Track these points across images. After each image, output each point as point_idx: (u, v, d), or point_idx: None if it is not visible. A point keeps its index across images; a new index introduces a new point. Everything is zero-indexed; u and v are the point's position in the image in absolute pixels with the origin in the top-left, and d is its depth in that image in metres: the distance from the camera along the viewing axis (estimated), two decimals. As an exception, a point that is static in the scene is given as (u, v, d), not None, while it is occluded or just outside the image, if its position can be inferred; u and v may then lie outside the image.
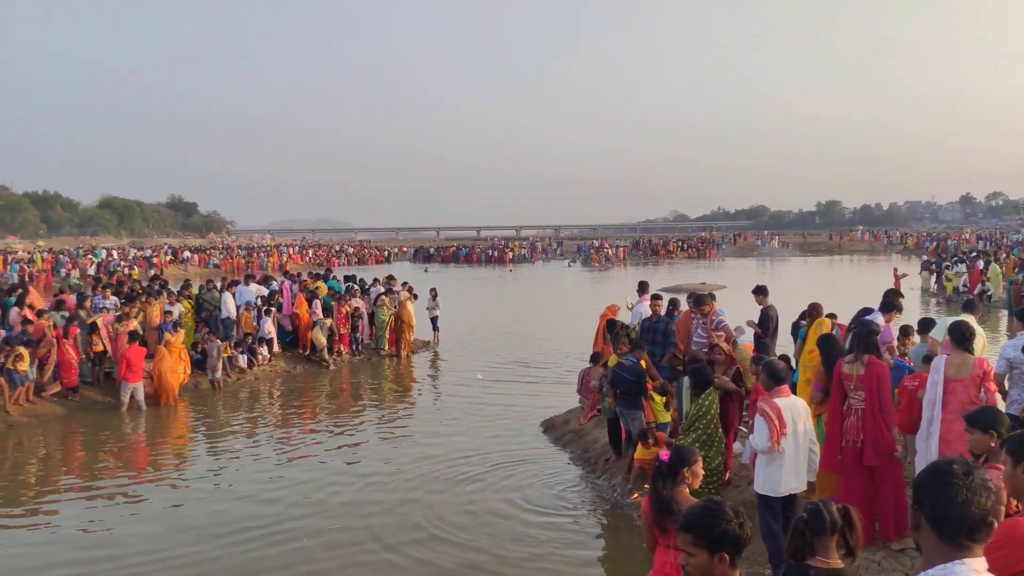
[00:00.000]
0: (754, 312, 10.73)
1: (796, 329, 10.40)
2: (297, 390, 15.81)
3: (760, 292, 10.62)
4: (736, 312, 11.43)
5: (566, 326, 23.76)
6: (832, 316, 8.86)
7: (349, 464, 10.58)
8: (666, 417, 9.28)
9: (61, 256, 45.84)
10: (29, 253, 48.34)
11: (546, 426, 12.18)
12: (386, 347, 19.06)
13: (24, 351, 12.74)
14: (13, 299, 15.09)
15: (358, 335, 18.76)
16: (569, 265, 64.48)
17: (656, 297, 11.25)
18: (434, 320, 20.80)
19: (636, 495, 8.58)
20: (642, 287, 12.23)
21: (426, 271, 54.09)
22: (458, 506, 8.83)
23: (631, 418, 9.07)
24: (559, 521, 8.41)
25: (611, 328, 10.25)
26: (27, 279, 34.56)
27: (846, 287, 33.49)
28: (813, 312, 8.85)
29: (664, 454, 4.47)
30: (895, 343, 8.76)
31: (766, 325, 10.40)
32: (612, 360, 9.66)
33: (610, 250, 68.97)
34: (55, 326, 13.84)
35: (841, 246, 79.51)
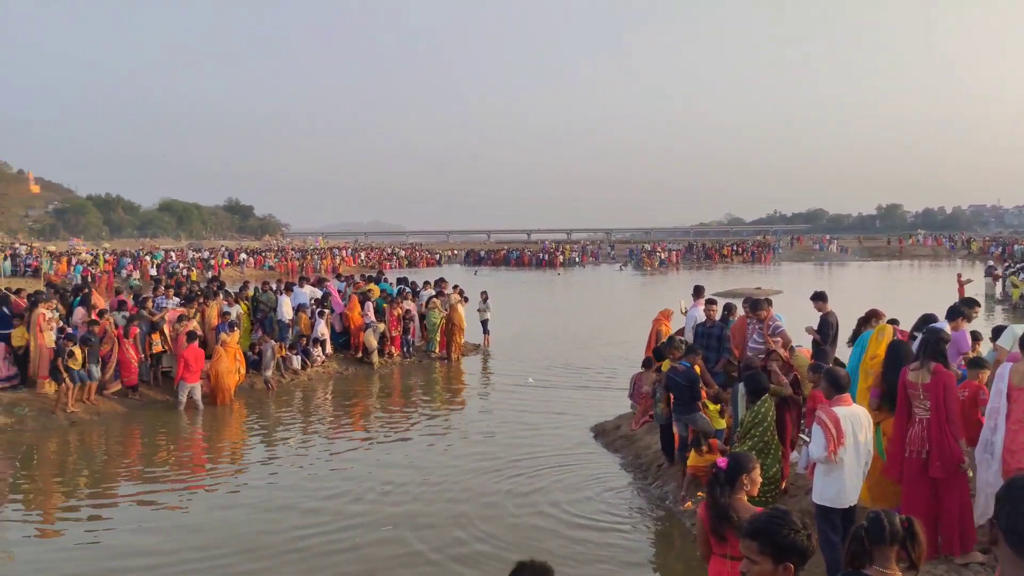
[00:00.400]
0: (811, 318, 10.48)
1: (856, 336, 10.12)
2: (349, 392, 15.96)
3: (819, 298, 10.37)
4: (794, 318, 11.17)
5: (617, 330, 23.61)
6: (894, 322, 8.60)
7: (398, 468, 10.56)
8: (720, 424, 9.11)
9: (123, 257, 47.14)
10: (92, 254, 49.80)
11: (597, 431, 12.08)
12: (437, 350, 19.15)
13: (77, 349, 13.09)
14: (78, 299, 15.53)
15: (409, 337, 18.88)
16: (620, 269, 64.05)
17: (711, 302, 11.08)
18: (484, 323, 20.85)
19: (689, 503, 8.45)
20: (697, 291, 12.05)
21: (475, 274, 54.24)
22: (505, 513, 8.75)
23: (688, 421, 8.93)
24: (609, 528, 8.32)
25: (671, 341, 10.10)
26: (90, 279, 35.66)
27: (907, 293, 32.59)
28: (873, 318, 8.60)
29: (722, 461, 4.37)
30: (971, 352, 8.42)
31: (825, 331, 10.14)
32: (666, 365, 9.53)
33: (663, 254, 68.33)
34: (116, 326, 14.21)
35: (902, 251, 77.39)
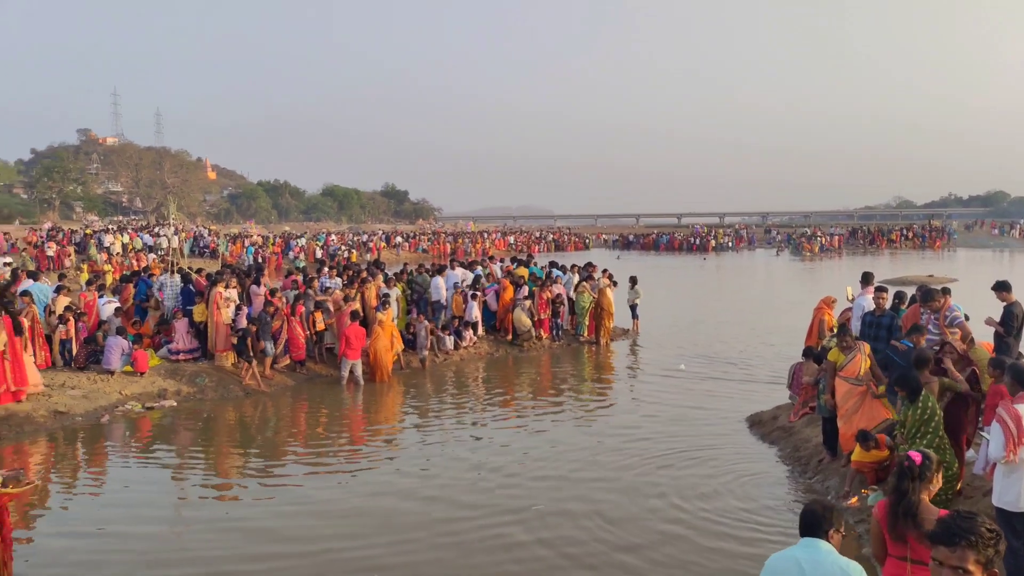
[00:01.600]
0: (993, 309, 9.67)
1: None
2: (499, 373, 16.24)
3: (1003, 287, 9.54)
4: (973, 309, 10.35)
5: (772, 319, 22.79)
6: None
7: (543, 455, 10.56)
8: (895, 417, 8.58)
9: (291, 240, 50.01)
10: (263, 237, 53.13)
11: (752, 421, 11.69)
12: (585, 334, 19.14)
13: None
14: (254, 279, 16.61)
15: (559, 321, 18.97)
16: (777, 254, 61.65)
17: (880, 289, 10.42)
18: (634, 308, 20.63)
19: (854, 499, 8.03)
20: (866, 278, 11.36)
21: (618, 258, 53.70)
22: (656, 504, 8.60)
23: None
24: (767, 523, 8.02)
25: (842, 329, 9.58)
26: (261, 261, 38.10)
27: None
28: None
29: (915, 455, 4.08)
30: None
31: (1009, 324, 9.32)
32: (834, 355, 9.06)
33: (823, 238, 65.11)
34: (285, 303, 15.12)
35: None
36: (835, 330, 11.67)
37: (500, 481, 9.35)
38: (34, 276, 17.56)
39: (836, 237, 67.53)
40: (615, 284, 19.75)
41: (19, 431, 11.41)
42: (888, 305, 10.16)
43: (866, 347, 8.91)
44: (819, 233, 68.56)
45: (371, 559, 7.27)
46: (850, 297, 12.02)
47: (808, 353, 11.00)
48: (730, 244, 71.12)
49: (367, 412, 13.35)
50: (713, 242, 68.59)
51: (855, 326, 10.36)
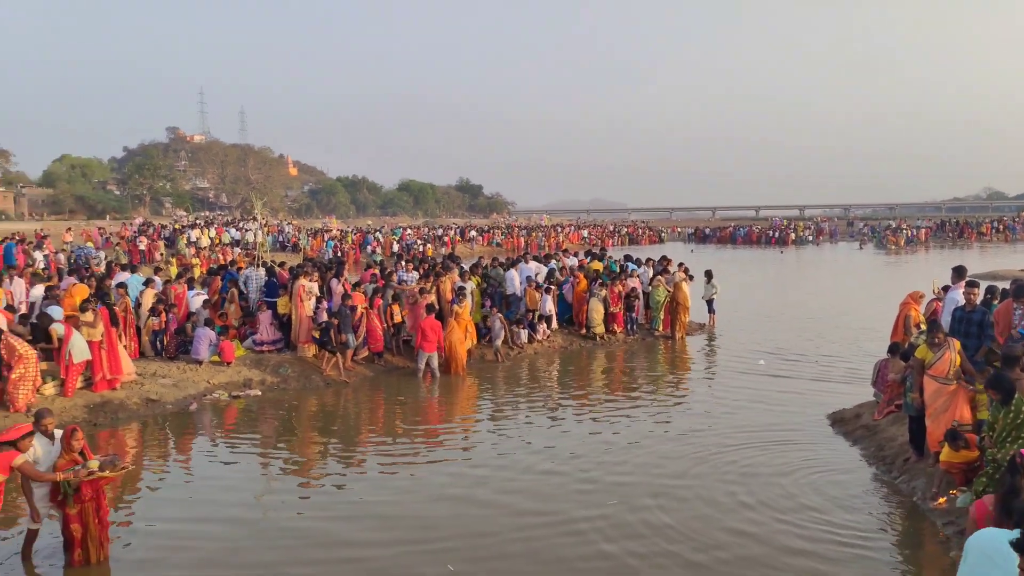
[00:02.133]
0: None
1: None
2: (573, 367, 16.22)
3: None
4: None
5: (856, 314, 22.15)
6: None
7: (617, 451, 10.51)
8: (985, 415, 8.27)
9: (368, 234, 50.94)
10: (342, 231, 54.24)
11: (834, 419, 11.40)
12: (660, 328, 18.96)
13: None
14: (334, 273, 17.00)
15: (633, 315, 18.83)
16: (860, 247, 59.75)
17: (972, 284, 10.01)
18: (710, 302, 20.33)
19: (942, 500, 7.77)
20: (958, 272, 10.90)
21: (692, 251, 52.86)
22: (730, 505, 8.46)
23: None
24: (848, 525, 7.82)
25: (933, 325, 9.25)
26: (340, 255, 38.93)
27: None
28: None
29: None
30: None
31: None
32: (922, 352, 8.76)
33: (909, 231, 62.80)
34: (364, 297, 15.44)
35: None
36: (921, 326, 11.29)
37: (574, 476, 9.34)
38: (133, 269, 18.40)
39: (923, 230, 65.14)
40: (691, 278, 19.49)
41: (114, 417, 11.98)
42: (979, 300, 9.77)
43: (956, 344, 8.59)
44: (904, 226, 66.18)
45: (447, 555, 7.28)
46: (936, 291, 11.59)
47: (894, 349, 10.67)
48: (811, 237, 69.31)
49: (443, 404, 13.53)
50: (793, 235, 66.96)
51: (945, 322, 9.99)
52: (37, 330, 12.86)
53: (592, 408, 12.73)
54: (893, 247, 57.05)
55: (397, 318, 15.84)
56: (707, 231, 77.12)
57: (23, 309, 14.15)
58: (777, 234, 67.45)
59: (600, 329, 18.07)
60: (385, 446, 10.81)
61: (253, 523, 8.09)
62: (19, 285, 16.02)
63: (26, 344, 11.56)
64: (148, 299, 14.80)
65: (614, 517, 8.02)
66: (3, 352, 11.16)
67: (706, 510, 8.18)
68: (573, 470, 9.52)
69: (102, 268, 21.08)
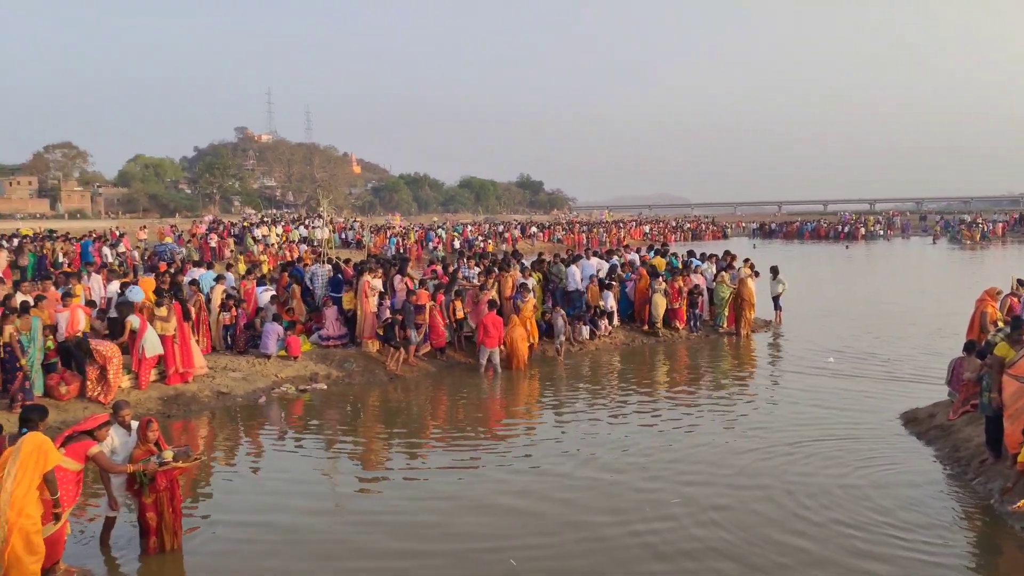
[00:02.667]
0: None
1: None
2: (635, 364, 16.08)
3: None
4: None
5: (928, 311, 21.48)
6: None
7: (680, 450, 10.39)
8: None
9: (430, 231, 51.41)
10: (404, 228, 54.87)
11: (907, 419, 11.07)
12: (725, 325, 18.68)
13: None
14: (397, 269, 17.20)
15: (697, 311, 18.59)
16: (934, 242, 57.84)
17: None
18: (776, 299, 19.94)
19: (1021, 503, 7.48)
20: (1036, 268, 10.51)
21: (754, 247, 51.86)
22: (795, 506, 8.28)
23: None
24: (921, 526, 7.59)
25: (1017, 322, 8.91)
26: (403, 251, 39.38)
27: None
28: None
29: None
30: None
31: None
32: (1002, 350, 8.44)
33: (985, 225, 60.51)
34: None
35: None
36: (999, 323, 10.88)
37: (636, 477, 9.24)
38: (208, 266, 18.95)
39: (999, 224, 62.66)
40: (757, 274, 19.14)
41: (186, 409, 12.37)
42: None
43: (1038, 342, 8.25)
44: (980, 220, 63.80)
45: (506, 555, 7.26)
46: (1015, 287, 11.15)
47: (970, 348, 10.30)
48: (881, 232, 67.35)
49: (504, 401, 13.56)
50: (863, 230, 65.15)
51: (1024, 320, 9.60)
52: (114, 324, 13.37)
53: (654, 406, 12.60)
54: (968, 242, 55.04)
55: (459, 314, 15.95)
56: (773, 226, 75.63)
57: (101, 305, 14.67)
58: (846, 229, 65.75)
59: (661, 324, 17.91)
60: (446, 443, 10.89)
61: (318, 518, 8.24)
62: (96, 281, 16.62)
63: (108, 344, 12.09)
64: (218, 295, 15.20)
65: (677, 520, 7.89)
66: (96, 357, 11.80)
67: (771, 512, 8.02)
68: (636, 470, 9.42)
69: (179, 264, 21.72)
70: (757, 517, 7.88)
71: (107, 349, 11.98)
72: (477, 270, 17.98)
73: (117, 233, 37.17)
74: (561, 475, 9.31)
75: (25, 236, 33.18)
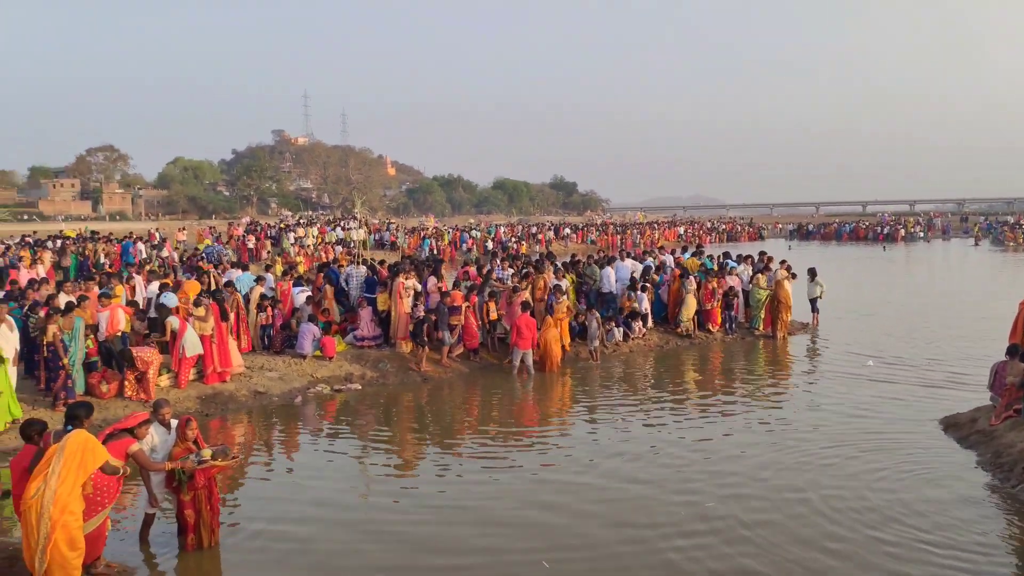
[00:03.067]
0: None
1: None
2: (668, 366, 15.96)
3: None
4: None
5: (969, 314, 21.06)
6: None
7: (713, 454, 10.33)
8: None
9: (464, 232, 51.56)
10: (438, 229, 55.10)
11: (947, 424, 10.86)
12: (761, 327, 18.49)
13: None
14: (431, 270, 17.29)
15: (732, 313, 18.42)
16: (976, 244, 56.70)
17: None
18: (813, 301, 19.69)
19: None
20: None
21: (790, 248, 51.17)
22: (835, 514, 8.15)
23: None
24: (960, 534, 7.45)
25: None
26: (436, 253, 39.53)
27: None
28: None
29: None
30: None
31: None
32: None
33: (1029, 227, 59.14)
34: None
35: None
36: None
37: (670, 484, 9.16)
38: (244, 267, 19.20)
39: (1045, 225, 61.20)
40: (794, 276, 18.91)
41: (224, 408, 12.54)
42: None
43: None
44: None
45: (537, 565, 7.22)
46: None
47: (1013, 352, 10.09)
48: (921, 234, 66.22)
49: (537, 403, 13.53)
50: (902, 231, 64.09)
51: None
52: (154, 324, 13.62)
53: (688, 411, 12.50)
54: (1011, 244, 53.81)
55: (493, 315, 15.97)
56: (810, 227, 74.73)
57: (142, 305, 14.93)
58: (885, 230, 64.73)
59: (689, 325, 17.79)
60: (478, 446, 10.87)
61: (351, 519, 8.32)
62: (138, 282, 16.93)
63: (149, 350, 12.34)
64: (256, 295, 15.40)
65: (714, 533, 7.74)
66: (138, 364, 12.08)
67: (807, 526, 7.82)
68: (669, 477, 9.30)
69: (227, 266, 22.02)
70: (792, 531, 7.68)
71: (148, 355, 12.22)
72: (510, 271, 17.99)
73: (158, 236, 37.82)
74: (593, 482, 9.24)
75: (68, 237, 33.93)
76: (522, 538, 7.70)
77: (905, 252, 50.93)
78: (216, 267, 20.83)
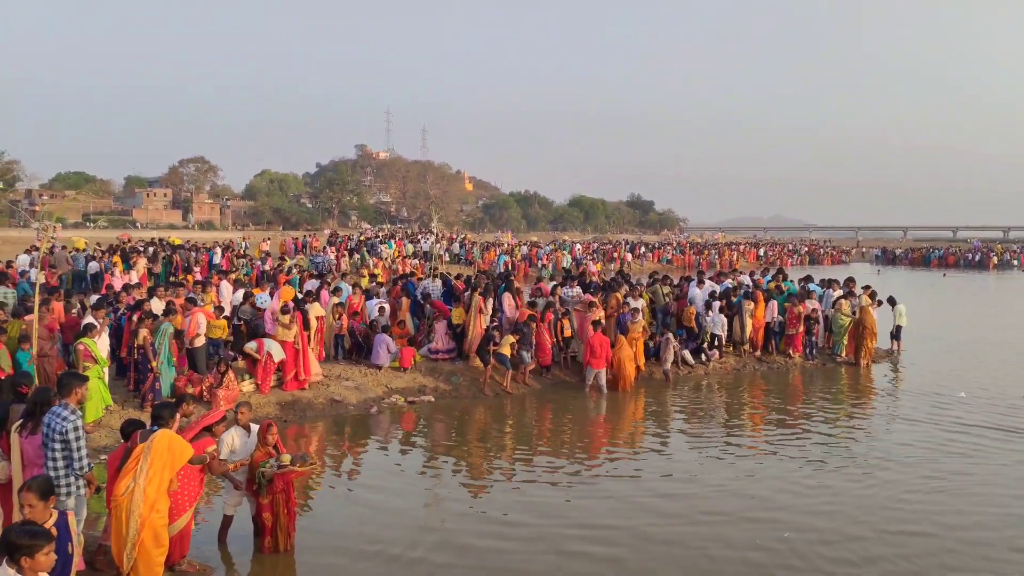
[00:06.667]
0: None
1: None
2: (743, 390, 15.61)
3: None
4: None
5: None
6: None
7: (793, 489, 10.07)
8: None
9: (540, 248, 51.57)
10: (511, 245, 55.26)
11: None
12: (843, 353, 17.95)
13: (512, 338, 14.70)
14: (504, 286, 17.38)
15: (813, 339, 17.95)
16: (1076, 273, 53.87)
17: None
18: (897, 329, 19.02)
19: None
20: None
21: (878, 273, 49.39)
22: (920, 563, 7.87)
23: None
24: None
25: None
26: (511, 268, 39.67)
27: None
28: None
29: None
30: None
31: None
32: None
33: None
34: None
35: None
36: None
37: (742, 514, 8.98)
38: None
39: None
40: (879, 303, 18.32)
41: (302, 415, 12.84)
42: None
43: None
44: None
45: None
46: None
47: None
48: (1015, 262, 63.18)
49: (608, 424, 13.37)
50: (995, 258, 61.33)
51: None
52: (237, 331, 14.06)
53: (764, 438, 12.20)
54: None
55: (567, 332, 15.95)
56: (897, 252, 72.30)
57: (227, 311, 15.45)
58: (977, 257, 62.09)
59: (746, 345, 17.47)
60: (547, 465, 10.76)
61: (421, 531, 8.38)
62: (225, 288, 17.52)
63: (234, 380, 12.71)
64: (332, 306, 15.75)
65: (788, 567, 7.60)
66: (225, 380, 12.44)
67: (888, 567, 7.55)
68: (742, 508, 9.01)
69: (336, 276, 22.60)
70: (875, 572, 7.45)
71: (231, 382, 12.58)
72: (578, 290, 17.95)
73: (243, 245, 39.00)
74: (664, 507, 9.10)
75: (172, 244, 35.36)
76: (590, 561, 7.63)
77: (997, 280, 48.71)
78: (323, 277, 21.26)
